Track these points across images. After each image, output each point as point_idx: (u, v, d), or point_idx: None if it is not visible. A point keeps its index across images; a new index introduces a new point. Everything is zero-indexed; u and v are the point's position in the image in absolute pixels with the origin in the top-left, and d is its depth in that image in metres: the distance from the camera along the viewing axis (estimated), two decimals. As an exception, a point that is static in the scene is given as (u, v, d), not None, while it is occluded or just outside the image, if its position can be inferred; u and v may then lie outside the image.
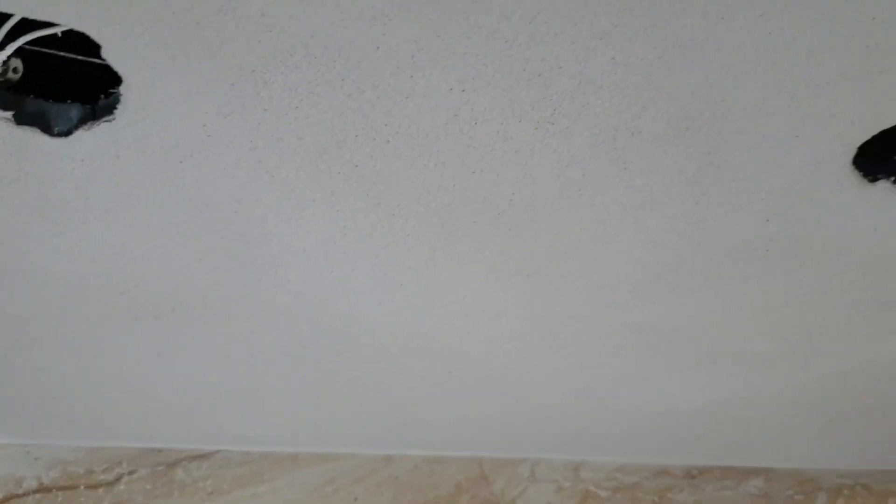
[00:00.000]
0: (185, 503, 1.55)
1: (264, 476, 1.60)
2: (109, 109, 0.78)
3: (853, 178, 0.85)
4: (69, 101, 0.81)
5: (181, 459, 1.59)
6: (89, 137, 0.80)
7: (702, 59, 0.67)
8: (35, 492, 1.51)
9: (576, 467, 1.70)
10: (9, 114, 0.79)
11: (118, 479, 1.55)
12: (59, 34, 0.73)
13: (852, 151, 0.81)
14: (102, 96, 0.79)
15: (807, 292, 1.08)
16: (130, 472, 1.56)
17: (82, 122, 0.80)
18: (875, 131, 0.77)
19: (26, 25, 0.71)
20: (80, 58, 0.78)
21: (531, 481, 1.67)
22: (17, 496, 1.51)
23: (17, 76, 0.81)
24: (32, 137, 0.80)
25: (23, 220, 0.91)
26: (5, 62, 0.79)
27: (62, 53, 0.78)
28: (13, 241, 0.95)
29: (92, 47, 0.71)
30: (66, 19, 0.66)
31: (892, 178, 0.87)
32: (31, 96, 0.81)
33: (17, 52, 0.77)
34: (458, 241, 0.96)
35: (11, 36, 0.73)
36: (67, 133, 0.80)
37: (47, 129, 0.80)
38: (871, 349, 1.27)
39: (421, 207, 0.89)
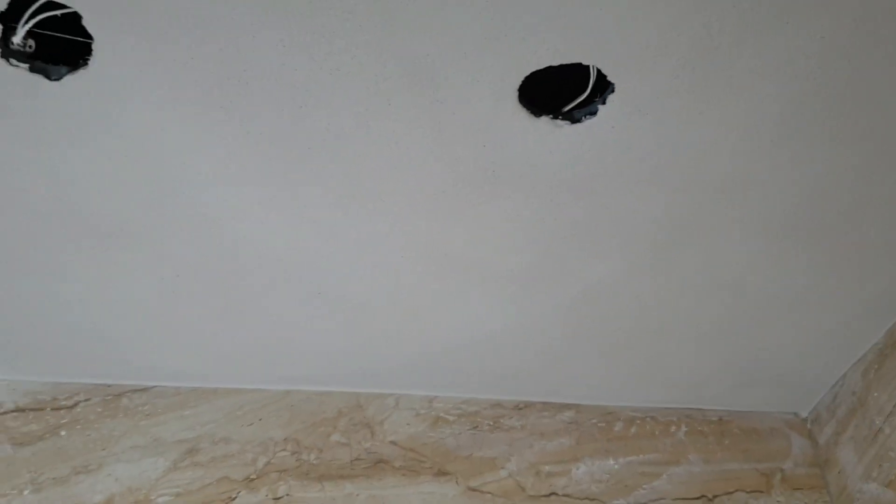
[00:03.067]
0: (127, 422, 1.94)
1: (190, 404, 2.00)
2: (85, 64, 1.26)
3: (523, 114, 1.35)
4: (60, 64, 1.29)
5: (125, 392, 1.98)
6: (74, 83, 1.26)
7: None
8: (12, 412, 1.89)
9: (430, 400, 2.14)
10: (25, 66, 1.26)
11: (76, 405, 1.94)
12: (59, 15, 1.22)
13: (515, 93, 1.31)
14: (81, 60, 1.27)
15: (526, 215, 1.55)
16: (86, 400, 1.95)
17: (69, 72, 1.27)
18: (522, 76, 1.28)
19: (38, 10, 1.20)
20: (66, 36, 1.26)
21: (395, 409, 2.10)
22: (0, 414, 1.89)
23: (32, 49, 1.29)
24: (38, 81, 1.27)
25: (12, 149, 1.34)
26: (24, 40, 1.27)
27: (53, 33, 1.26)
28: (10, 163, 1.36)
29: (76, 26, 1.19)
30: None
31: (551, 115, 1.37)
32: (39, 60, 1.28)
33: (31, 35, 1.25)
34: (303, 167, 1.41)
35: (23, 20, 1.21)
36: (59, 79, 1.28)
37: (48, 77, 1.28)
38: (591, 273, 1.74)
39: (278, 138, 1.36)
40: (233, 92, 1.26)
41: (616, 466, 2.19)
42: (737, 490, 2.25)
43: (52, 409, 1.92)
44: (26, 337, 1.80)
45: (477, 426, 2.13)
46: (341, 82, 1.26)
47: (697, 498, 2.20)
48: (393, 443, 2.05)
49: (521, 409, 2.20)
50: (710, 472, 2.24)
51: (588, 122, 1.38)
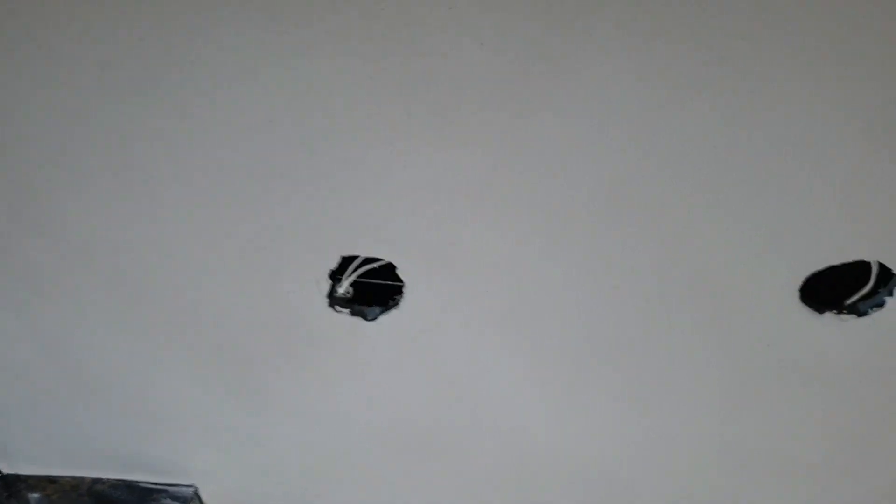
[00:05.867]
0: None
1: None
2: (396, 304, 1.43)
3: (805, 311, 1.32)
4: (374, 305, 1.46)
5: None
6: (386, 320, 1.43)
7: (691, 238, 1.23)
8: None
9: None
10: (347, 311, 1.45)
11: None
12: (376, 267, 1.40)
13: (797, 293, 1.29)
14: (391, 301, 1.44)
15: (818, 407, 1.48)
16: None
17: (383, 312, 1.45)
18: (803, 277, 1.26)
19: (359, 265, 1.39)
20: (381, 282, 1.45)
21: None
22: None
23: (350, 294, 1.48)
24: (357, 321, 1.45)
25: (340, 379, 1.54)
26: (347, 289, 1.46)
27: (369, 280, 1.45)
28: (335, 393, 1.57)
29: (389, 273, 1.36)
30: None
31: (835, 310, 1.33)
32: (356, 304, 1.47)
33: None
34: (588, 376, 1.48)
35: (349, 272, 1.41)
36: (375, 319, 1.46)
37: (365, 318, 1.46)
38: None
39: (565, 354, 1.44)
40: (525, 318, 1.37)
41: None
42: None
43: None
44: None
45: None
46: (623, 302, 1.32)
47: None
48: None
49: None
50: None
51: (876, 314, 1.33)
